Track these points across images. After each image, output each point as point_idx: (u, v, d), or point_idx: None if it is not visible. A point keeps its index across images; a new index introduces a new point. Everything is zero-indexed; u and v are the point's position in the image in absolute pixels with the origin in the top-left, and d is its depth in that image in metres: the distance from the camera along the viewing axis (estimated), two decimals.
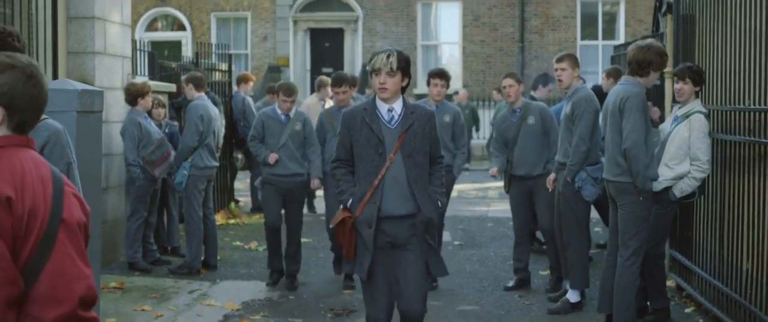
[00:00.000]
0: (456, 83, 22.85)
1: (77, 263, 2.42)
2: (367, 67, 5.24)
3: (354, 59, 24.76)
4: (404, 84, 5.20)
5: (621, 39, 23.28)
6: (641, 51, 6.16)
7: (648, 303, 6.83)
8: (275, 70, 23.93)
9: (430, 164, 5.31)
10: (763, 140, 5.74)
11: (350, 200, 5.24)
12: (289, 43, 25.24)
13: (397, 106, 5.20)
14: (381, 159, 5.12)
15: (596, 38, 24.94)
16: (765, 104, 5.74)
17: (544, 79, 10.49)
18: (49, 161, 2.78)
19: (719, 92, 6.77)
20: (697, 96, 6.68)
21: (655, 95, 8.42)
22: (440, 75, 8.49)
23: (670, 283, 7.48)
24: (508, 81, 8.26)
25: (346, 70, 24.71)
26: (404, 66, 5.14)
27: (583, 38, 24.82)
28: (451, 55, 25.76)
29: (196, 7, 25.52)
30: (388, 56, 5.09)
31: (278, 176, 8.25)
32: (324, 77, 11.83)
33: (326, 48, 25.47)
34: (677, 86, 6.68)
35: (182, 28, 25.75)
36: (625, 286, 6.20)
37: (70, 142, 4.39)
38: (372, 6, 25.10)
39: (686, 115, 6.53)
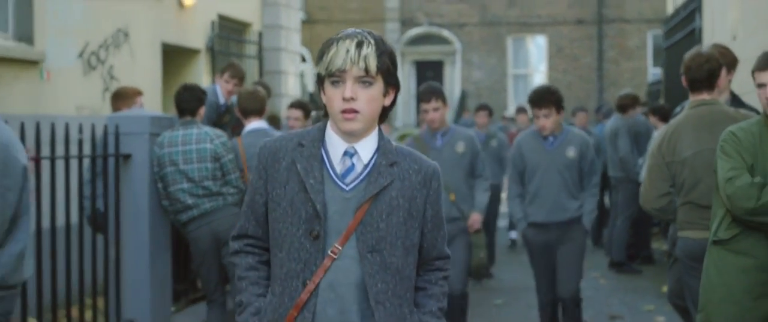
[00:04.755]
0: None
1: None
2: (319, 68, 2.65)
3: (453, 88, 28.05)
4: (386, 103, 2.72)
5: None
6: None
7: None
8: None
9: (419, 267, 2.84)
10: None
11: None
12: (397, 73, 29.00)
13: (367, 146, 2.71)
14: (315, 249, 2.67)
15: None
16: None
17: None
18: None
19: None
20: None
21: None
22: (432, 94, 6.44)
23: None
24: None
25: (446, 98, 28.30)
26: (388, 67, 2.65)
27: (654, 66, 27.85)
28: (538, 83, 28.72)
29: (315, 41, 29.48)
30: (359, 45, 2.61)
31: None
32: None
33: (429, 77, 28.85)
34: None
35: (303, 60, 29.76)
36: None
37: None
38: (468, 40, 27.91)
39: None
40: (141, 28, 9.85)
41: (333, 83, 2.63)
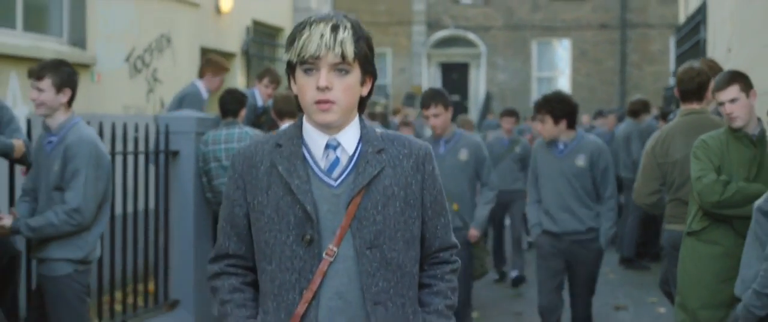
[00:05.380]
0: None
1: None
2: (289, 55, 2.43)
3: (478, 89, 28.22)
4: (364, 93, 2.50)
5: None
6: None
7: None
8: (411, 97, 28.08)
9: (423, 261, 2.60)
10: None
11: None
12: (423, 74, 28.88)
13: (349, 136, 2.49)
14: (310, 254, 2.43)
15: None
16: None
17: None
18: None
19: None
20: None
21: None
22: (431, 99, 6.34)
23: None
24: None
25: (471, 99, 28.02)
26: (365, 53, 2.44)
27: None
28: (561, 86, 27.84)
29: None
30: (335, 29, 2.37)
31: None
32: (466, 118, 11.58)
33: (454, 79, 28.50)
34: None
35: None
36: None
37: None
38: (493, 43, 28.18)
39: None
40: (182, 34, 10.55)
41: (306, 71, 2.39)
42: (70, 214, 4.52)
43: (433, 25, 28.84)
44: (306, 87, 2.40)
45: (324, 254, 2.41)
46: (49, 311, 4.68)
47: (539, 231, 6.35)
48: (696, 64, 5.90)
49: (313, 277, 2.40)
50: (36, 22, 8.47)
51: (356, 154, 2.47)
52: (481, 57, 28.44)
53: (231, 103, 6.97)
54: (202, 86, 8.47)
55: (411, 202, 2.50)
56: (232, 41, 12.04)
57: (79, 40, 8.78)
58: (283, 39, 13.59)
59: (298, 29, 2.41)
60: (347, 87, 2.41)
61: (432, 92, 6.43)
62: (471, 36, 28.46)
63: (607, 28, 28.06)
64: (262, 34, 12.97)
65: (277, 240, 2.43)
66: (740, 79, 4.71)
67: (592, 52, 28.23)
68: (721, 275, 4.59)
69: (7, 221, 4.62)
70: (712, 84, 5.75)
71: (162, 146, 6.83)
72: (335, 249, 2.41)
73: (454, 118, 7.81)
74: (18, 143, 5.11)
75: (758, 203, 4.08)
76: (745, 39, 6.93)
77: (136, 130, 6.51)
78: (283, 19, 13.65)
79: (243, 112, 7.10)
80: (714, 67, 6.00)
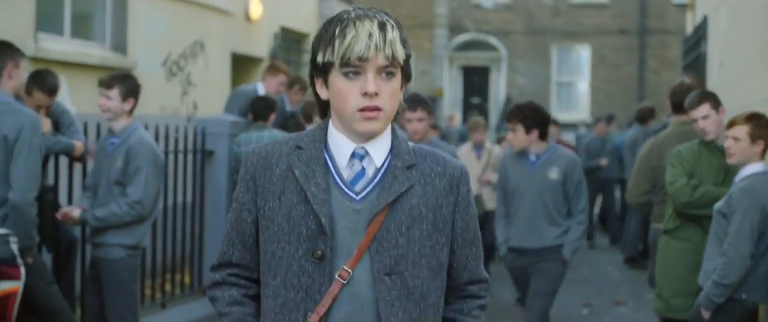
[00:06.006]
0: (582, 115, 27.39)
1: None
2: (324, 56, 2.17)
3: (498, 92, 28.47)
4: (400, 98, 2.27)
5: None
6: None
7: None
8: (431, 100, 28.76)
9: (449, 294, 2.34)
10: None
11: None
12: (444, 78, 28.77)
13: (379, 146, 2.24)
14: (320, 272, 2.18)
15: None
16: None
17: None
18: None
19: None
20: None
21: None
22: (421, 102, 6.01)
23: None
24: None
25: (491, 102, 28.49)
26: (409, 55, 2.23)
27: None
28: (581, 91, 28.85)
29: None
30: (382, 28, 2.15)
31: None
32: (477, 120, 11.04)
33: (475, 82, 28.92)
34: None
35: None
36: None
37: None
38: (514, 47, 28.50)
39: None
40: (214, 40, 11.24)
41: (347, 75, 2.13)
42: (132, 205, 5.21)
43: (454, 29, 29.21)
44: (348, 92, 2.14)
45: (336, 275, 2.16)
46: (104, 291, 5.37)
47: (505, 250, 6.15)
48: (687, 79, 6.53)
49: (321, 299, 2.15)
50: (82, 30, 9.18)
51: (384, 168, 2.21)
52: (502, 61, 28.74)
53: (262, 109, 7.64)
54: (261, 87, 9.02)
55: (440, 226, 2.23)
56: (261, 47, 12.73)
57: (120, 45, 9.48)
58: (309, 43, 14.25)
59: (339, 27, 2.14)
60: (393, 92, 2.18)
61: (413, 96, 6.06)
62: (492, 40, 28.79)
63: (626, 33, 28.34)
64: (289, 40, 13.65)
65: (285, 252, 2.18)
66: (710, 98, 5.35)
67: (611, 58, 28.51)
68: (691, 267, 5.21)
69: (77, 213, 5.33)
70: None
71: (199, 146, 7.52)
72: (350, 271, 2.15)
73: (465, 120, 8.11)
74: (78, 144, 5.87)
75: (717, 205, 4.72)
76: (735, 55, 7.52)
77: (177, 131, 7.20)
78: (308, 25, 14.32)
79: (272, 117, 7.75)
80: (702, 85, 6.63)
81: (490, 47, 28.92)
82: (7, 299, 4.60)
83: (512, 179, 6.03)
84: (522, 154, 6.04)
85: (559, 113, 27.24)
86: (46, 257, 5.88)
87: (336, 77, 2.16)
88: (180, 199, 7.52)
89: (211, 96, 10.97)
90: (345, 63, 2.13)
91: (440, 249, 2.24)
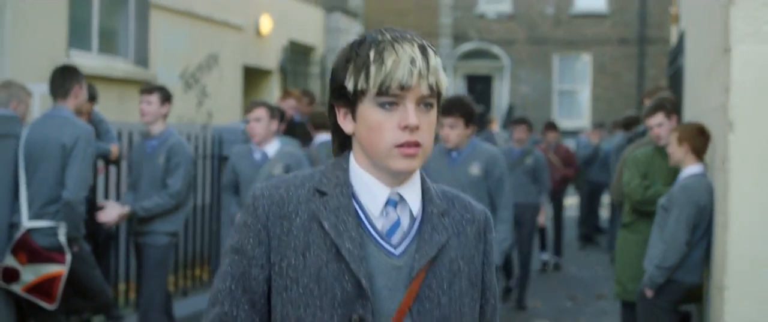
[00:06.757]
0: (583, 122, 28.05)
1: None
2: (356, 82, 1.85)
3: (501, 101, 28.92)
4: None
5: None
6: None
7: None
8: None
9: None
10: None
11: None
12: (448, 86, 30.41)
13: (412, 191, 1.96)
14: None
15: None
16: None
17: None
18: None
19: None
20: None
21: None
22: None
23: None
24: None
25: (494, 110, 28.35)
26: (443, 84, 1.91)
27: None
28: (582, 99, 29.23)
29: None
30: (424, 52, 1.86)
31: None
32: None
33: (479, 91, 29.06)
34: None
35: None
36: None
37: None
38: (517, 57, 28.97)
39: None
40: (227, 54, 12.09)
41: (383, 105, 1.83)
42: (172, 195, 6.13)
43: (459, 38, 29.63)
44: (384, 126, 1.84)
45: None
46: (144, 272, 6.25)
47: None
48: (664, 93, 7.34)
49: None
50: (108, 45, 10.03)
51: (420, 216, 1.94)
52: (505, 70, 29.14)
53: None
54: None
55: (473, 280, 1.98)
56: (271, 59, 13.59)
57: (142, 60, 10.33)
58: (316, 56, 15.11)
59: (373, 49, 1.84)
60: (431, 125, 1.89)
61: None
62: (495, 49, 29.22)
63: (626, 43, 28.72)
64: (296, 53, 14.51)
65: (314, 318, 1.83)
66: (664, 107, 6.16)
67: (611, 66, 28.90)
68: (641, 256, 6.01)
69: (127, 208, 6.19)
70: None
71: (216, 152, 8.35)
72: None
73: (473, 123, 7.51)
74: (114, 149, 6.74)
75: (661, 200, 5.54)
76: (695, 72, 8.30)
77: (197, 139, 8.04)
78: (315, 39, 15.17)
79: (282, 127, 8.56)
80: (673, 101, 7.43)
81: (493, 56, 29.35)
82: (54, 279, 5.47)
83: (434, 176, 5.70)
84: (446, 149, 5.87)
85: (561, 120, 27.95)
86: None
87: (369, 108, 1.85)
88: (199, 201, 8.33)
89: (224, 106, 11.83)
90: (383, 92, 1.82)
91: (474, 305, 1.98)
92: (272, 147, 6.50)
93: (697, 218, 5.34)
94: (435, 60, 1.86)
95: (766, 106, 4.57)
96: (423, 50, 1.85)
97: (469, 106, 5.70)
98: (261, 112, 6.36)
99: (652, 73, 29.12)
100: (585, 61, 29.37)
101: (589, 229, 14.41)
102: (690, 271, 5.43)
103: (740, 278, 4.62)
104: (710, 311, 5.30)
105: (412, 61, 1.82)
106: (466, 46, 29.52)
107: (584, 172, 13.98)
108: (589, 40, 28.98)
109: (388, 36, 1.86)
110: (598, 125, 15.37)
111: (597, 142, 14.67)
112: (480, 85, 29.70)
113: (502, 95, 29.36)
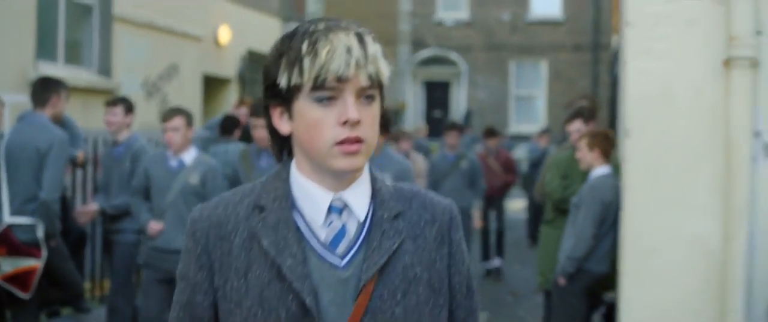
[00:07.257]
0: (540, 127, 28.18)
1: None
2: (288, 78, 1.70)
3: (459, 106, 29.11)
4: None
5: None
6: None
7: None
8: (394, 113, 27.44)
9: None
10: None
11: None
12: (407, 92, 29.23)
13: (359, 193, 1.80)
14: None
15: None
16: None
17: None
18: None
19: None
20: None
21: None
22: (177, 111, 6.36)
23: None
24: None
25: (452, 116, 28.46)
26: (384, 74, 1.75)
27: None
28: (538, 104, 29.55)
29: None
30: (362, 41, 1.71)
31: (160, 253, 6.17)
32: (403, 130, 11.45)
33: (437, 96, 29.63)
34: None
35: None
36: None
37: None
38: (474, 63, 29.23)
39: None
40: (187, 63, 12.62)
41: (320, 100, 1.69)
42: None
43: (417, 45, 29.80)
44: (323, 122, 1.70)
45: None
46: (115, 266, 6.92)
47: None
48: (583, 102, 7.99)
49: None
50: (73, 56, 10.54)
51: (368, 221, 1.79)
52: (463, 76, 29.53)
53: (228, 125, 9.04)
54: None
55: (436, 286, 1.82)
56: (230, 68, 14.12)
57: (105, 70, 10.83)
58: None
59: (306, 41, 1.70)
60: (374, 119, 1.75)
61: (174, 108, 6.38)
62: (453, 55, 29.48)
63: (581, 50, 29.05)
64: (255, 62, 15.03)
65: None
66: (581, 115, 6.81)
67: (567, 73, 29.18)
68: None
69: (96, 206, 6.90)
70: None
71: None
72: None
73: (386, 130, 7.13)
74: (80, 154, 7.33)
75: (573, 199, 6.19)
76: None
77: (158, 144, 8.60)
78: None
79: (237, 132, 9.13)
80: (592, 107, 8.09)
81: (451, 63, 29.61)
82: (30, 272, 6.04)
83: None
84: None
85: (517, 125, 28.55)
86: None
87: (305, 105, 1.71)
88: None
89: None
90: (318, 86, 1.68)
91: (439, 313, 1.82)
92: (189, 155, 6.33)
93: (603, 213, 5.98)
94: (373, 47, 1.72)
95: (656, 116, 5.19)
96: (360, 38, 1.71)
97: (385, 116, 5.47)
98: (179, 121, 6.21)
99: (606, 79, 29.50)
100: (541, 67, 29.61)
101: (538, 228, 14.91)
102: (598, 261, 6.08)
103: (634, 265, 5.26)
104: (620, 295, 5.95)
105: (349, 51, 1.67)
106: (425, 53, 29.74)
107: (533, 173, 14.54)
108: (545, 47, 29.23)
109: (322, 26, 1.71)
110: (544, 131, 15.99)
111: (545, 145, 15.19)
112: (438, 92, 29.96)
113: (460, 101, 29.60)
